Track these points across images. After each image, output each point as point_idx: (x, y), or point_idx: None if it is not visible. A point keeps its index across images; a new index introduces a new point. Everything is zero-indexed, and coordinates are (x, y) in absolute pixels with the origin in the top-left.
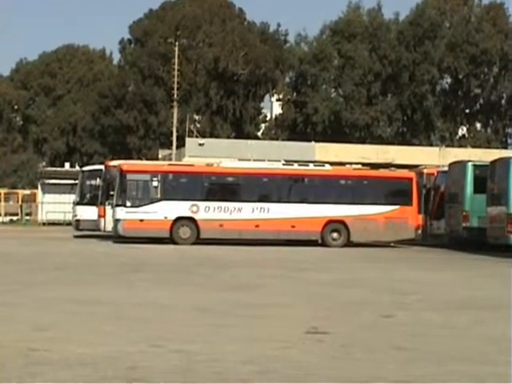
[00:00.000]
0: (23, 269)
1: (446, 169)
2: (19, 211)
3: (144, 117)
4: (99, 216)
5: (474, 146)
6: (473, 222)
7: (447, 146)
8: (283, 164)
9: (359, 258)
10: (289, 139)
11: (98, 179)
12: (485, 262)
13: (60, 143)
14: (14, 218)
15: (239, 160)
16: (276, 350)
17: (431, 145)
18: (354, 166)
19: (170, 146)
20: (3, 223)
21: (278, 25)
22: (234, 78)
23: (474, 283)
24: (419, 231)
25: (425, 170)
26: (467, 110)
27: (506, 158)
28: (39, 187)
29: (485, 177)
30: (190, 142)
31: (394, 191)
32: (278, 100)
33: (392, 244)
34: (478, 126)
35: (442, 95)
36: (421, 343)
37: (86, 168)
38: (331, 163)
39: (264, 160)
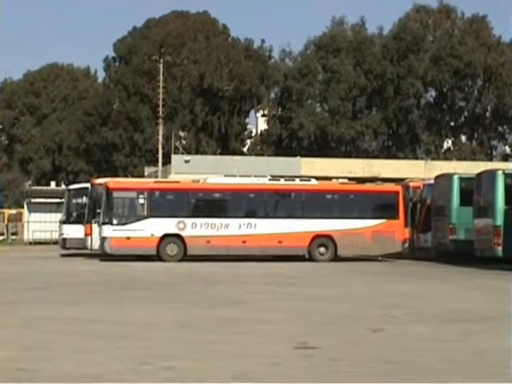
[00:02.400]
0: (10, 288)
1: (432, 182)
2: (5, 231)
3: (129, 134)
4: (86, 234)
5: (459, 159)
6: (459, 234)
7: (433, 159)
8: (269, 179)
9: (347, 272)
10: (274, 155)
11: (84, 197)
12: (472, 275)
13: (46, 162)
14: (0, 237)
15: (225, 176)
16: (265, 366)
17: (417, 158)
18: (341, 181)
19: (155, 163)
20: None
21: (263, 41)
22: (218, 95)
23: (461, 296)
24: (406, 244)
25: (411, 184)
26: (452, 123)
27: (492, 170)
28: (25, 206)
29: (471, 189)
30: (176, 159)
31: (381, 205)
32: (263, 116)
33: (379, 258)
34: (463, 138)
35: (427, 108)
36: (410, 357)
37: (71, 186)
38: (317, 178)
39: (250, 176)
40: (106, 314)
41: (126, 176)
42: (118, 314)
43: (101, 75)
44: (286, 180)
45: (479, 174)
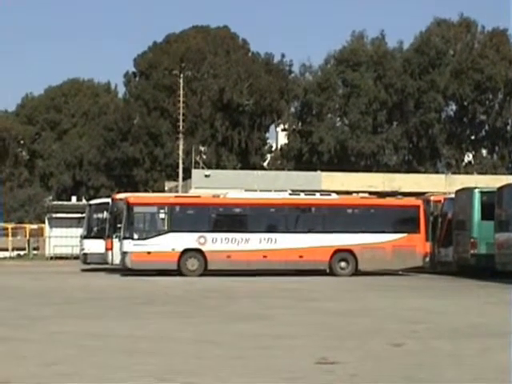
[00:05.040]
0: (32, 303)
1: (452, 196)
2: (26, 246)
3: (150, 149)
4: (107, 249)
5: (480, 173)
6: (481, 248)
7: (453, 172)
8: (290, 194)
9: (368, 286)
10: (295, 169)
11: (104, 212)
12: (493, 289)
13: (66, 177)
14: (22, 252)
15: (245, 191)
16: (286, 381)
17: (437, 172)
18: (361, 195)
19: (176, 178)
20: (11, 258)
21: (283, 55)
22: (239, 109)
23: (482, 310)
24: (427, 259)
25: (432, 198)
26: (473, 137)
27: None
28: (46, 221)
29: (492, 203)
30: (196, 174)
31: (402, 219)
32: (283, 130)
33: (400, 272)
34: (484, 152)
35: (448, 122)
36: (431, 372)
37: (92, 201)
38: (337, 192)
39: (270, 190)
40: (126, 329)
41: (146, 191)
42: (139, 329)
43: (121, 90)
44: (306, 194)
45: (500, 188)
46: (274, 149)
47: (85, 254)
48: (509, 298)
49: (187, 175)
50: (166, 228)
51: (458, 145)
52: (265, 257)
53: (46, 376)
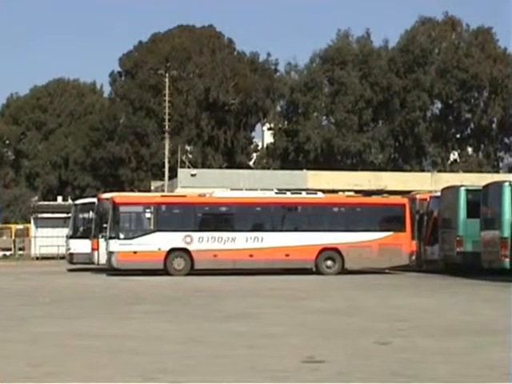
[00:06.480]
0: (17, 304)
1: (438, 194)
2: (12, 246)
3: (136, 149)
4: (93, 249)
5: (465, 171)
6: (467, 246)
7: (439, 171)
8: (276, 193)
9: (354, 285)
10: (281, 168)
11: (90, 212)
12: (480, 287)
13: (52, 177)
14: (7, 253)
15: (231, 190)
16: (273, 380)
17: (423, 170)
18: (347, 194)
19: (162, 178)
20: None
21: (268, 54)
22: (224, 108)
23: (469, 308)
24: (413, 257)
25: (417, 196)
26: (458, 135)
27: (499, 182)
28: (32, 221)
29: (478, 201)
30: (182, 173)
31: (388, 218)
32: (269, 129)
33: (386, 271)
34: (470, 150)
35: (433, 121)
36: (419, 370)
37: (78, 201)
38: (324, 191)
39: (256, 189)
40: (113, 328)
41: (132, 190)
42: (126, 329)
43: (107, 90)
44: (292, 193)
45: (486, 186)
46: (259, 148)
47: (71, 254)
48: (495, 295)
49: (173, 174)
50: (152, 227)
51: (443, 143)
52: (251, 256)
53: (35, 376)
